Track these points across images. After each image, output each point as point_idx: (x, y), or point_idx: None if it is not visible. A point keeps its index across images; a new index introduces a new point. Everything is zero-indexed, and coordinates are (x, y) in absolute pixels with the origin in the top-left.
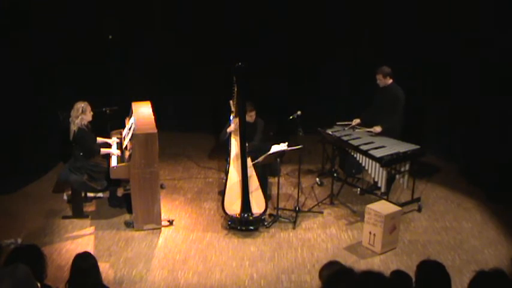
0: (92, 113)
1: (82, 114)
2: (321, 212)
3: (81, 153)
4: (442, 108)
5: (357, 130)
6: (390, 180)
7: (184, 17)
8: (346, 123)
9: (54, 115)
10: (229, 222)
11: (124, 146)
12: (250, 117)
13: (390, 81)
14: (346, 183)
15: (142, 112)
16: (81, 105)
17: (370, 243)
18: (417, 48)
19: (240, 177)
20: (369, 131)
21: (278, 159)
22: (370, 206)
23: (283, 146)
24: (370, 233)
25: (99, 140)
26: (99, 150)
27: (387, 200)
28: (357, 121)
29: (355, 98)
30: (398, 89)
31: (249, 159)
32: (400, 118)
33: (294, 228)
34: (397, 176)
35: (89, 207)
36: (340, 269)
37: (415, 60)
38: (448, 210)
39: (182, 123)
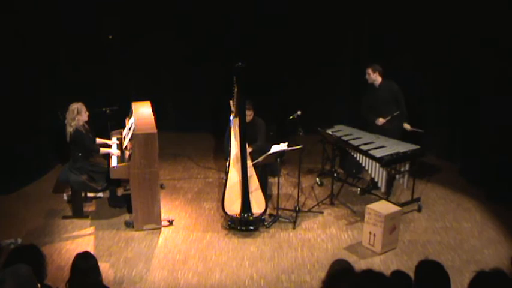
0: (87, 113)
1: (77, 115)
2: (321, 212)
3: (79, 154)
4: (442, 108)
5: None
6: (391, 181)
7: (184, 16)
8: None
9: (54, 115)
10: (229, 222)
11: (124, 146)
12: (247, 116)
13: (380, 79)
14: (346, 183)
15: (142, 112)
16: (75, 106)
17: (370, 243)
18: (417, 48)
19: (240, 177)
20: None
21: (278, 159)
22: (370, 206)
23: (283, 146)
24: (370, 233)
25: (99, 141)
26: (98, 149)
27: (387, 200)
28: (382, 120)
29: (355, 99)
30: (393, 84)
31: (249, 159)
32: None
33: (294, 228)
34: (397, 176)
35: (89, 207)
36: (340, 268)
37: (415, 60)
38: (448, 210)
39: (182, 123)
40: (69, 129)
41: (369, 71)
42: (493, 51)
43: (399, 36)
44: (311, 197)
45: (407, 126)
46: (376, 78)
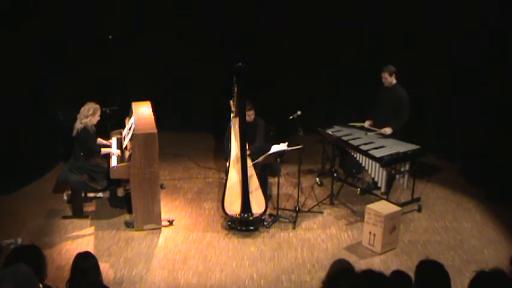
0: (99, 117)
1: (91, 116)
2: (321, 212)
3: (81, 153)
4: (442, 108)
5: (368, 134)
6: (390, 180)
7: (184, 16)
8: (358, 124)
9: (54, 115)
10: (229, 223)
11: (124, 146)
12: (249, 116)
13: (395, 81)
14: (346, 183)
15: (142, 112)
16: (93, 106)
17: (370, 243)
18: (417, 47)
19: (240, 177)
20: (379, 133)
21: (278, 159)
22: (370, 206)
23: (283, 146)
24: (370, 233)
25: (99, 141)
26: (100, 151)
27: (387, 200)
28: (369, 122)
29: (355, 98)
30: (401, 90)
31: (249, 159)
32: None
33: (294, 228)
34: (397, 176)
35: (89, 207)
36: (341, 268)
37: (415, 60)
38: (448, 210)
39: (182, 123)
40: (78, 125)
41: (386, 75)
42: (493, 51)
43: (399, 36)
44: (311, 197)
45: (387, 130)
46: (392, 80)
